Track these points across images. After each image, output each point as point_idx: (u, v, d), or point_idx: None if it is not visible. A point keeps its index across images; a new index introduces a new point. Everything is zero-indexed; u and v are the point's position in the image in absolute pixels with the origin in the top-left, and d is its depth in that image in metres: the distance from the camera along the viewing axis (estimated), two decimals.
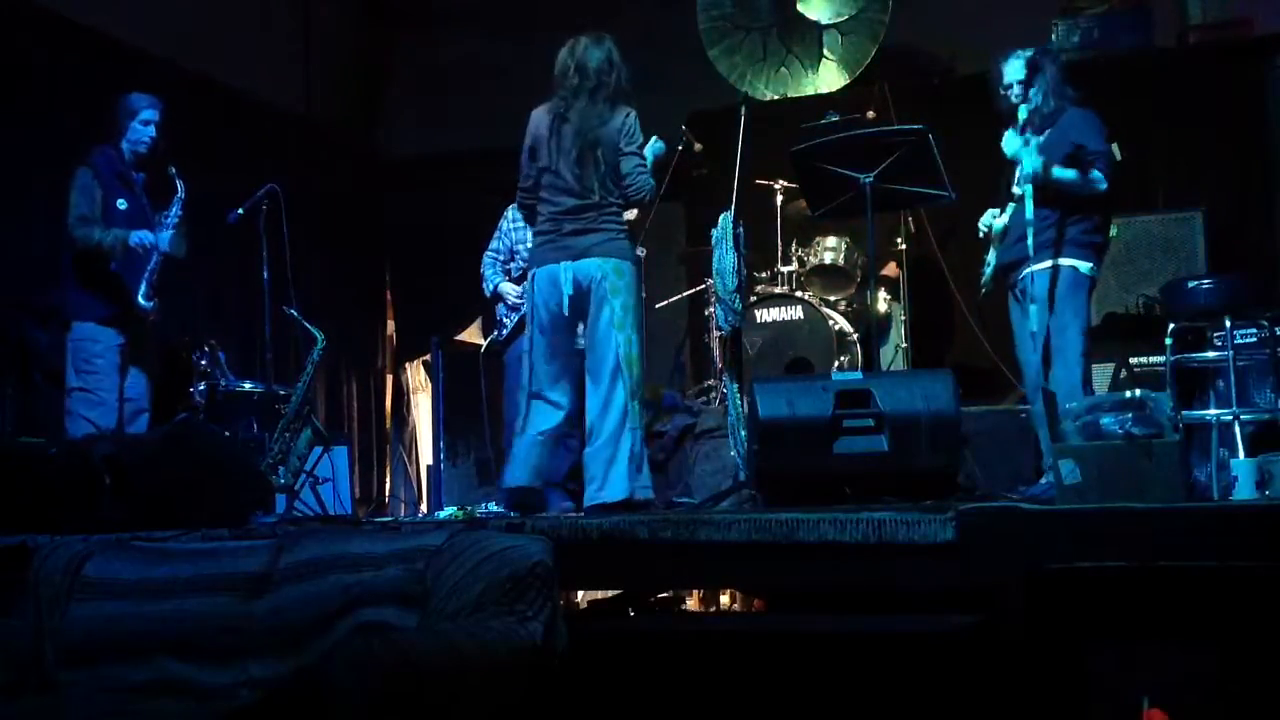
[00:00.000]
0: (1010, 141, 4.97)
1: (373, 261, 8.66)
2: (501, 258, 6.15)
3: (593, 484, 4.68)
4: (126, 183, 5.44)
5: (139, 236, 5.32)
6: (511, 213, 6.18)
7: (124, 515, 4.26)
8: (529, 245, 6.10)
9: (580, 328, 4.85)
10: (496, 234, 6.19)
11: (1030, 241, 4.80)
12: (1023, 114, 4.95)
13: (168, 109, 5.55)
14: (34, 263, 6.13)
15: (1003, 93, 5.15)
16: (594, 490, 4.68)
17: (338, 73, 8.72)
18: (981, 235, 5.34)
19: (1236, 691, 3.21)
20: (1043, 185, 4.86)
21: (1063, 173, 4.86)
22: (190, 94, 6.89)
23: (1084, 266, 4.90)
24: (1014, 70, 5.12)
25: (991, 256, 5.29)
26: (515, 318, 5.97)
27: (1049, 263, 4.90)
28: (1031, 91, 4.99)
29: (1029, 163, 4.85)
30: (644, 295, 4.92)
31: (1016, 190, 5.04)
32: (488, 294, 6.13)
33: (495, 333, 6.08)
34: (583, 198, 4.66)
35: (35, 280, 6.09)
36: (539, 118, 4.80)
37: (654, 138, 4.84)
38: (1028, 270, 4.96)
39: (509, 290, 6.00)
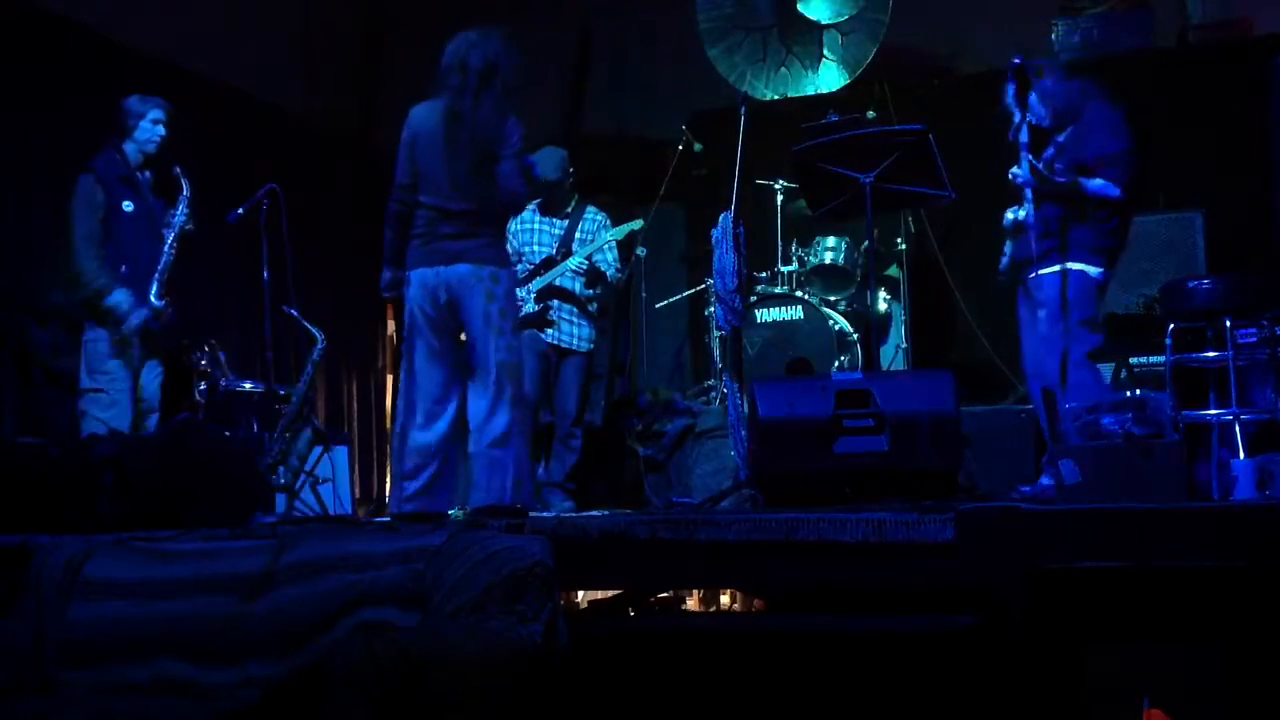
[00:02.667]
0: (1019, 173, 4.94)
1: (373, 261, 8.65)
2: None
3: (478, 487, 4.52)
4: (132, 184, 5.44)
5: (116, 299, 5.27)
6: (518, 215, 6.18)
7: (124, 515, 4.26)
8: (534, 247, 6.12)
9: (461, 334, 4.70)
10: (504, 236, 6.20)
11: (1035, 243, 4.76)
12: (1023, 136, 4.82)
13: (169, 109, 5.55)
14: (35, 263, 6.13)
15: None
16: (478, 496, 4.51)
17: (338, 73, 8.72)
18: (1006, 225, 5.25)
19: (1237, 691, 3.21)
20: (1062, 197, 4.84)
21: (1090, 184, 4.85)
22: (191, 94, 6.88)
23: (1093, 271, 4.86)
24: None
25: (1008, 248, 5.23)
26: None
27: (1057, 266, 4.85)
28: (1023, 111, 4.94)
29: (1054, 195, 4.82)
30: (516, 302, 4.81)
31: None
32: None
33: None
34: (466, 202, 4.54)
35: (36, 280, 6.09)
36: (425, 114, 4.63)
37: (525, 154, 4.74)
38: (1036, 273, 4.94)
39: None
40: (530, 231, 6.13)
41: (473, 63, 4.55)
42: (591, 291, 6.16)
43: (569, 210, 6.18)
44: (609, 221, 6.23)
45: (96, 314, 5.32)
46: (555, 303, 6.02)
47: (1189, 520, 3.41)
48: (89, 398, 5.31)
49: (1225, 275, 4.85)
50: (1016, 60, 4.88)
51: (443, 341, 4.64)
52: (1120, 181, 4.83)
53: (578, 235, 6.13)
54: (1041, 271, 4.93)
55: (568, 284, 6.08)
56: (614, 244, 6.17)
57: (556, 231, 6.13)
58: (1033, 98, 4.97)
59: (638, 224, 6.33)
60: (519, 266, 6.12)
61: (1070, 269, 4.85)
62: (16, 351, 5.99)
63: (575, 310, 6.09)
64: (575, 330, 6.09)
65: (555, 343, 6.03)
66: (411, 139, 4.65)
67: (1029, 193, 4.87)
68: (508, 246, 6.14)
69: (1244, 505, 3.85)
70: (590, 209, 6.22)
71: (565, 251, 6.09)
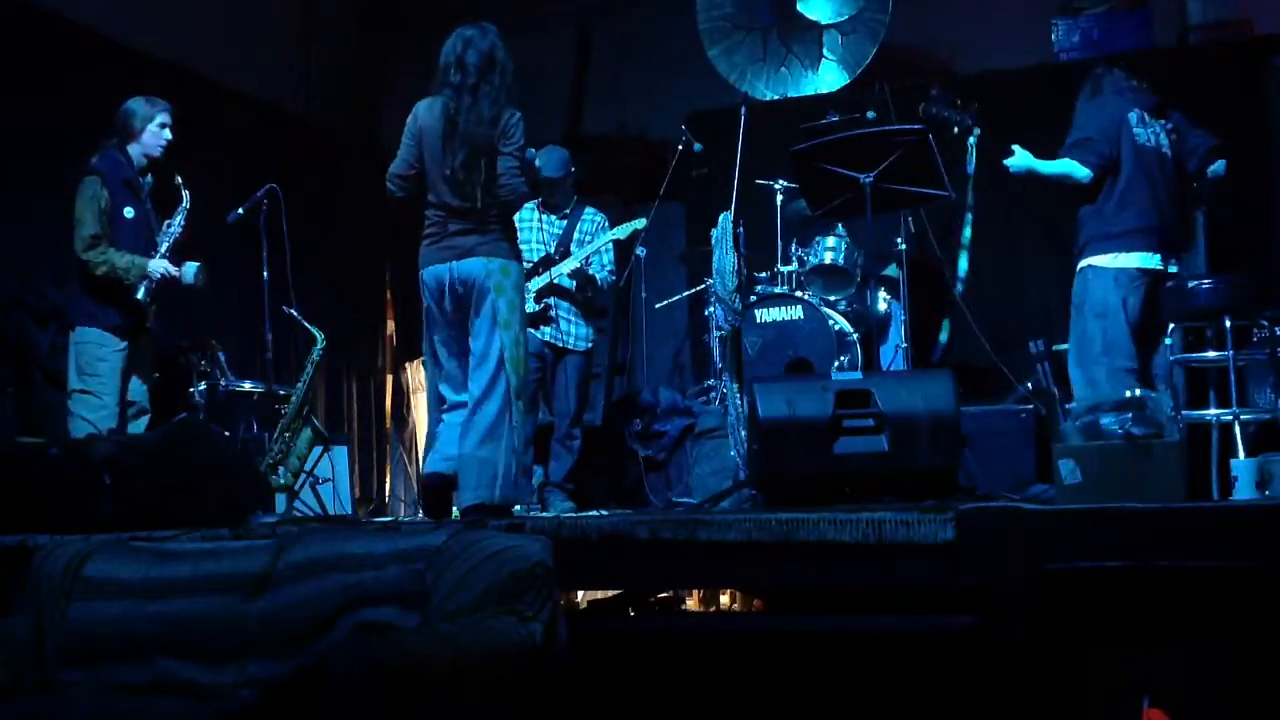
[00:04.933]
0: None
1: (373, 261, 8.67)
2: None
3: (467, 487, 4.54)
4: (133, 189, 5.41)
5: (158, 268, 5.30)
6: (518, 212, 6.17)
7: (124, 515, 4.26)
8: (533, 245, 6.11)
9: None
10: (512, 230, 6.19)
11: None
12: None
13: (174, 112, 5.54)
14: (34, 263, 6.13)
15: None
16: (470, 492, 4.53)
17: (338, 73, 8.72)
18: None
19: (1236, 691, 3.21)
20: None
21: (1047, 167, 5.02)
22: (190, 94, 6.87)
23: (1099, 260, 4.91)
24: None
25: None
26: None
27: (1079, 265, 5.04)
28: None
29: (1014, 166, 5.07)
30: (524, 296, 4.82)
31: None
32: None
33: None
34: (466, 201, 4.59)
35: (35, 280, 6.09)
36: (426, 110, 4.67)
37: (529, 148, 4.77)
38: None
39: None
40: (529, 229, 6.13)
41: (470, 59, 4.58)
42: (588, 294, 6.16)
43: (568, 210, 6.18)
44: (607, 223, 6.23)
45: (125, 290, 5.31)
46: (553, 300, 6.02)
47: (1189, 520, 3.41)
48: (77, 398, 5.28)
49: (1225, 275, 4.85)
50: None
51: (457, 334, 4.70)
52: (1085, 161, 4.94)
53: (576, 235, 6.14)
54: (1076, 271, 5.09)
55: (567, 283, 6.08)
56: (610, 246, 6.17)
57: (555, 230, 6.14)
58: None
59: (640, 223, 6.31)
60: None
61: (1081, 265, 4.95)
62: (16, 351, 5.99)
63: (574, 309, 6.09)
64: (574, 329, 6.08)
65: (553, 341, 6.03)
66: (419, 132, 4.67)
67: None
68: None
69: (1244, 505, 3.85)
70: (589, 210, 6.23)
71: (564, 250, 6.09)
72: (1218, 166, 5.15)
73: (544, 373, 6.04)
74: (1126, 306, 4.89)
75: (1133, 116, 5.01)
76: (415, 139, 4.68)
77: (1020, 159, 5.09)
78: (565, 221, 6.16)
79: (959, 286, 5.34)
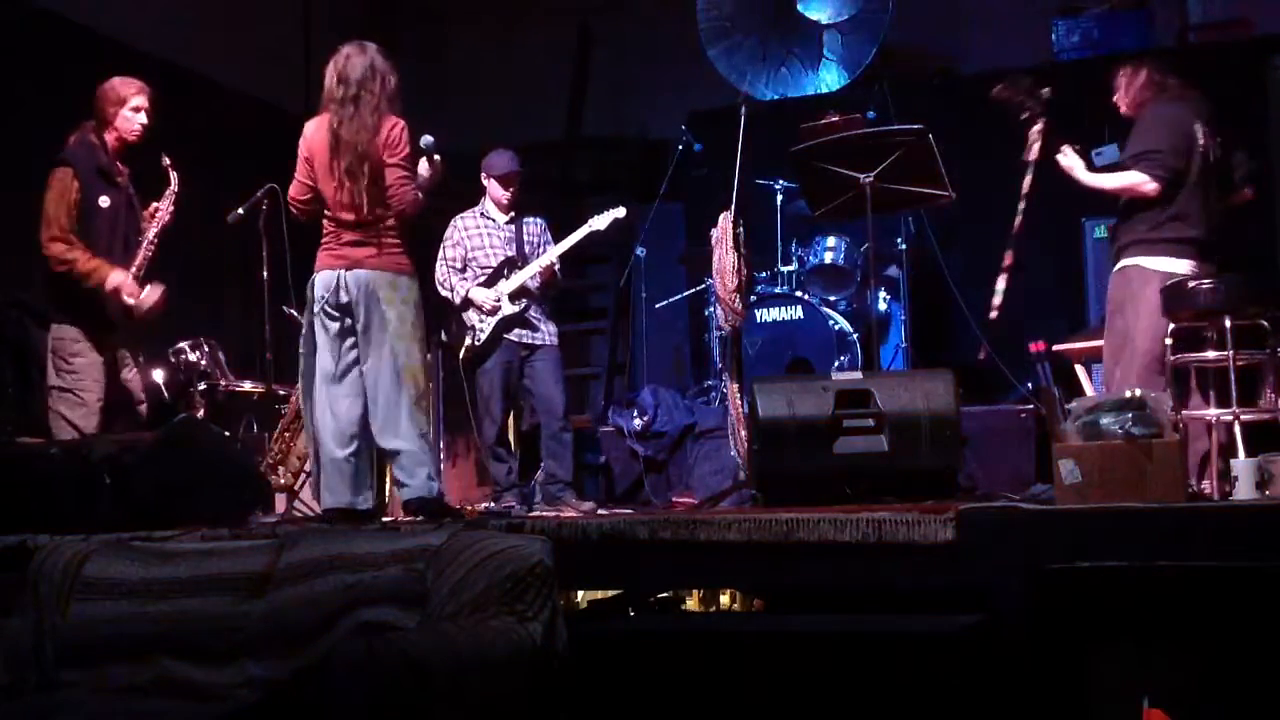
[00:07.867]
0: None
1: None
2: (458, 265, 6.07)
3: (403, 487, 4.65)
4: (109, 177, 5.32)
5: (117, 280, 5.18)
6: (462, 221, 6.08)
7: (124, 515, 4.25)
8: (486, 250, 6.05)
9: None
10: (448, 243, 6.10)
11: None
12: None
13: (167, 108, 5.51)
14: (33, 262, 6.12)
15: None
16: (406, 491, 4.64)
17: None
18: None
19: (1236, 691, 3.21)
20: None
21: (1110, 180, 5.00)
22: (190, 93, 6.88)
23: (1148, 262, 4.90)
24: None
25: None
26: (491, 323, 5.91)
27: (1120, 264, 4.99)
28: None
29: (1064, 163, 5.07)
30: (421, 308, 4.78)
31: None
32: (456, 301, 6.03)
33: (470, 339, 6.00)
34: (357, 213, 4.65)
35: (35, 280, 6.07)
36: (313, 129, 4.76)
37: (425, 136, 4.79)
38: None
39: (481, 296, 5.94)
40: (479, 235, 6.06)
41: (351, 74, 4.68)
42: (551, 293, 6.13)
43: (512, 214, 6.12)
44: (548, 229, 6.21)
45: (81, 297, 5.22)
46: (524, 301, 5.98)
47: (1189, 520, 3.41)
48: (56, 396, 5.17)
49: (1225, 275, 4.85)
50: None
51: (344, 336, 4.72)
52: (1153, 175, 4.88)
53: (525, 238, 6.10)
54: (1113, 272, 5.06)
55: (532, 284, 6.03)
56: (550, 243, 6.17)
57: (506, 235, 6.08)
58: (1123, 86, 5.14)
59: (620, 212, 6.19)
60: (467, 273, 6.03)
61: (1127, 265, 4.94)
62: (16, 351, 5.98)
63: (541, 309, 6.06)
64: (544, 326, 6.06)
65: (531, 341, 5.98)
66: (306, 154, 4.78)
67: None
68: (455, 251, 6.08)
69: (1244, 505, 3.85)
70: (528, 218, 6.19)
71: (520, 253, 6.05)
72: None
73: (511, 376, 5.97)
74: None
75: (1198, 127, 4.99)
76: (306, 158, 4.78)
77: (1070, 159, 5.05)
78: (512, 226, 6.11)
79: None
